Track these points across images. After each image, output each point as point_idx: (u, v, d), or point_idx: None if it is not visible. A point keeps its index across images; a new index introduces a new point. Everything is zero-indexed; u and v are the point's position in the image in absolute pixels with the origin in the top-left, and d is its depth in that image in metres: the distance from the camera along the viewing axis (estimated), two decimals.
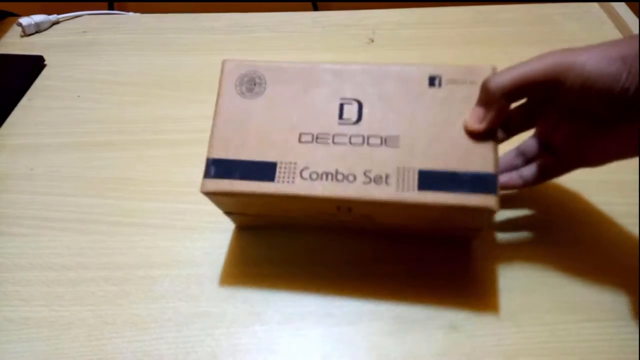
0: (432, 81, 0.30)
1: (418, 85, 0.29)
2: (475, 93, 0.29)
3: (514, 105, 0.28)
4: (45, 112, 0.47)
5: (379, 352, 0.30)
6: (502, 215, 0.37)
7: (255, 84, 0.31)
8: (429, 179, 0.27)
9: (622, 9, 0.56)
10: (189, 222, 0.33)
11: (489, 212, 0.27)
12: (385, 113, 0.29)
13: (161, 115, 0.47)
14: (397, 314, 0.32)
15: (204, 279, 0.34)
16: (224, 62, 0.32)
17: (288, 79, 0.31)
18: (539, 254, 0.35)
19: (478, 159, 0.27)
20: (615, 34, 0.55)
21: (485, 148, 0.28)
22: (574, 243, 0.34)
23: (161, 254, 0.35)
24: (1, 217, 0.38)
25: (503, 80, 0.26)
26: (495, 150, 0.28)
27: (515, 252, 0.35)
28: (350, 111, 0.30)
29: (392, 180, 0.27)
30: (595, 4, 0.59)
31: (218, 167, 0.29)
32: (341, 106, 0.30)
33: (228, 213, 0.33)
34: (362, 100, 0.30)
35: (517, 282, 0.33)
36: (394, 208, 0.28)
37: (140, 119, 0.46)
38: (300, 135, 0.29)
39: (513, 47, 0.54)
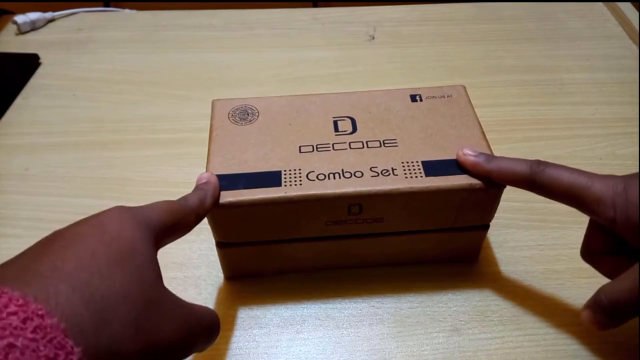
0: (413, 98, 0.33)
1: (402, 102, 0.33)
2: (453, 104, 0.32)
3: None
4: (40, 111, 0.47)
5: (381, 356, 0.29)
6: (505, 217, 0.36)
7: (248, 114, 0.32)
8: (433, 167, 0.28)
9: (626, 7, 0.56)
10: None
11: (497, 190, 0.28)
12: (377, 124, 0.31)
13: (158, 114, 0.46)
14: (398, 317, 0.31)
15: (201, 282, 0.33)
16: (213, 102, 0.33)
17: (279, 107, 0.32)
18: (543, 257, 0.34)
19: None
20: (618, 32, 0.54)
21: (477, 138, 0.30)
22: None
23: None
24: None
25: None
26: (487, 140, 0.30)
27: (519, 255, 0.34)
28: (345, 125, 0.31)
29: (399, 172, 0.28)
30: (599, 2, 0.58)
31: (220, 181, 0.28)
32: (335, 122, 0.31)
33: (222, 245, 0.31)
34: (355, 117, 0.32)
35: (520, 284, 0.33)
36: (405, 200, 0.28)
37: (137, 118, 0.46)
38: (299, 147, 0.30)
39: (516, 44, 0.53)
